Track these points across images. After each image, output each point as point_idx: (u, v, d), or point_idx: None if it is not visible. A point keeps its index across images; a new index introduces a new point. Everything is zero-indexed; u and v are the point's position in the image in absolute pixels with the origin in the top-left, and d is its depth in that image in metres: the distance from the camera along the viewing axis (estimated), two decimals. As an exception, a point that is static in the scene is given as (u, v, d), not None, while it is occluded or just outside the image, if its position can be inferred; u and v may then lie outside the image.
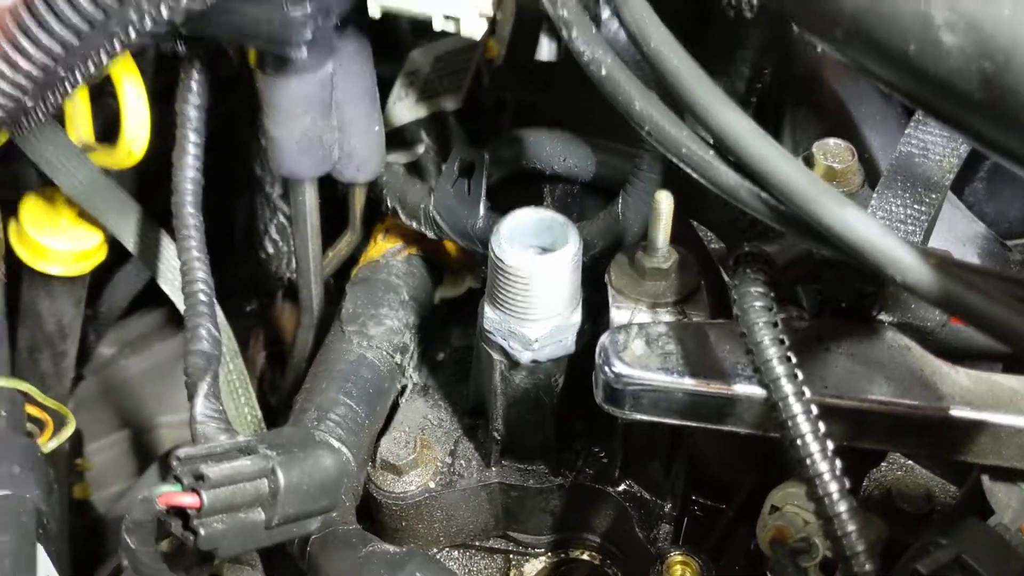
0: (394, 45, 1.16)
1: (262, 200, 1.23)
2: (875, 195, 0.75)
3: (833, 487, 0.58)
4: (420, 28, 1.22)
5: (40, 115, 0.73)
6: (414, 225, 0.98)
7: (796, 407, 0.59)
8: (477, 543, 0.95)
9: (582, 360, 0.82)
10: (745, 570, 0.84)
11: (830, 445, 0.59)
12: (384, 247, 1.03)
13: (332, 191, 1.11)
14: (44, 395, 0.93)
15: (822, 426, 0.59)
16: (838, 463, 0.58)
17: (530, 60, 1.27)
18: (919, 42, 0.50)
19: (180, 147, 0.90)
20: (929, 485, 0.86)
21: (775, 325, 0.61)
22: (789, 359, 0.60)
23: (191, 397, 0.79)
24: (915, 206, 0.73)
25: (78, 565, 1.17)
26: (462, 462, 0.92)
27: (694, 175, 0.60)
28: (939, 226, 0.75)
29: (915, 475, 0.87)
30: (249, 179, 1.25)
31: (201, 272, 0.87)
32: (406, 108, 1.12)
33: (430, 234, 0.97)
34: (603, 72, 0.65)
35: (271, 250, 1.24)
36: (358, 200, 1.05)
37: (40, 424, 0.92)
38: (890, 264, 0.50)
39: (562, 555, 0.95)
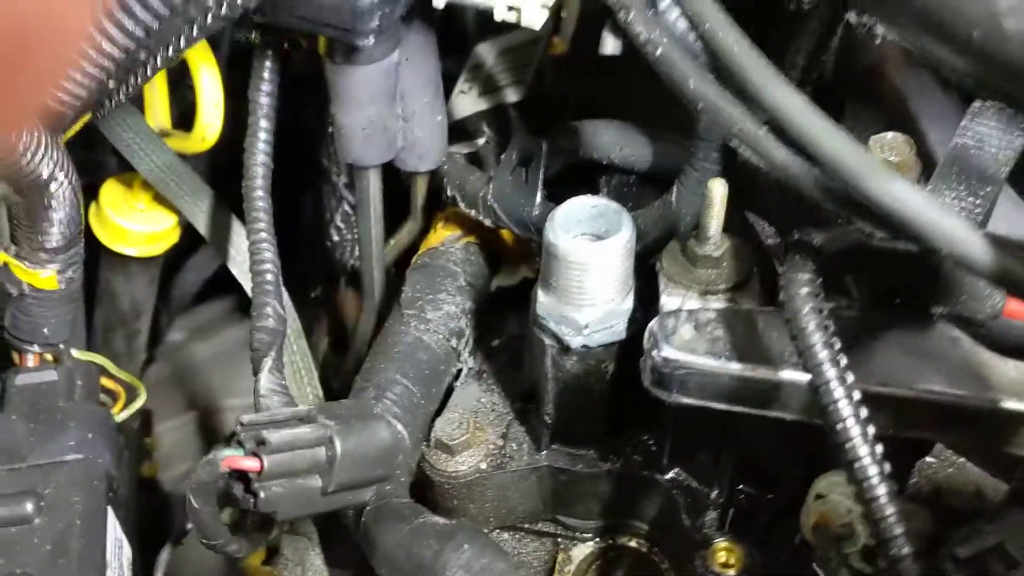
0: (459, 39, 1.19)
1: (328, 190, 1.27)
2: (929, 187, 0.75)
3: (872, 471, 0.58)
4: (484, 22, 1.26)
5: (121, 97, 0.77)
6: (473, 213, 1.00)
7: (838, 391, 0.60)
8: (526, 526, 0.97)
9: (633, 348, 0.83)
10: (790, 561, 0.84)
11: (871, 430, 0.59)
12: (444, 235, 1.06)
13: (396, 181, 1.14)
14: (117, 369, 0.98)
15: (864, 411, 0.60)
16: (879, 448, 0.59)
17: (594, 54, 1.30)
18: (982, 28, 0.52)
19: (251, 133, 0.94)
20: (980, 482, 0.85)
21: (820, 311, 0.61)
22: (832, 345, 0.61)
23: (256, 371, 0.82)
24: (969, 199, 0.73)
25: (144, 540, 1.22)
26: (513, 445, 0.94)
27: (747, 152, 0.61)
28: (994, 219, 0.74)
29: (966, 472, 0.86)
30: (316, 170, 1.29)
31: (269, 252, 0.90)
32: (469, 101, 1.15)
33: (488, 222, 0.99)
34: (658, 52, 0.66)
35: (336, 238, 1.28)
36: (420, 189, 1.08)
37: (113, 395, 0.97)
38: (939, 236, 0.51)
39: (610, 541, 0.97)
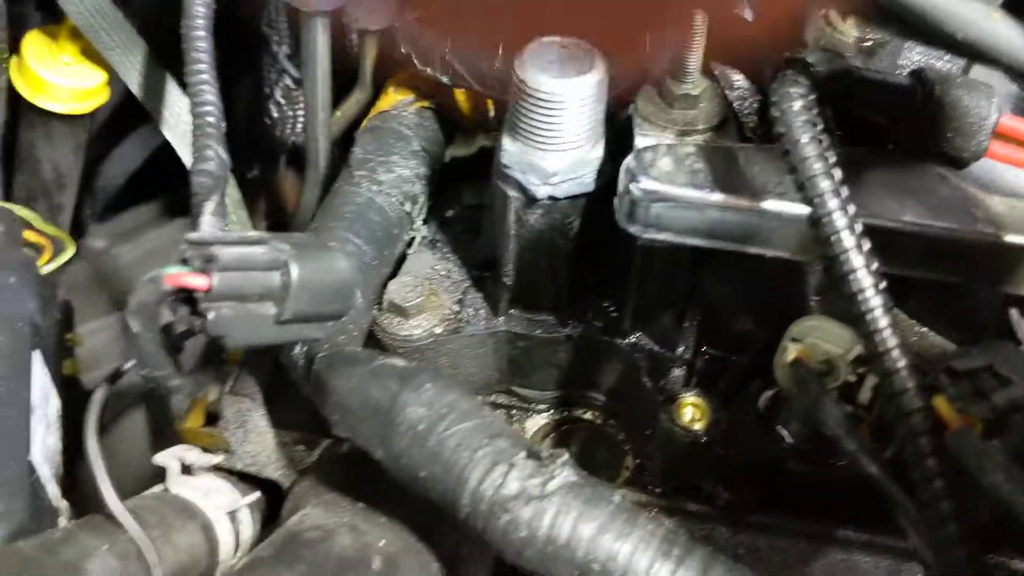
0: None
1: (268, 62, 1.20)
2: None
3: (876, 301, 0.56)
4: None
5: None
6: (428, 71, 0.95)
7: (841, 221, 0.56)
8: (480, 397, 0.93)
9: (599, 206, 0.79)
10: (754, 422, 0.82)
11: (874, 262, 0.56)
12: (395, 99, 1.01)
13: (342, 52, 1.08)
14: (43, 223, 0.91)
15: (866, 242, 0.57)
16: (883, 282, 0.56)
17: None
18: None
19: (192, -31, 0.87)
20: (945, 348, 0.84)
21: (815, 125, 0.58)
22: (834, 175, 0.58)
23: (196, 216, 0.76)
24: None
25: (66, 438, 1.15)
26: (470, 311, 0.90)
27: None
28: None
29: (930, 339, 0.86)
30: (254, 44, 1.22)
31: (210, 95, 0.84)
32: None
33: (445, 79, 0.94)
34: None
35: (275, 114, 1.21)
36: (369, 51, 1.02)
37: (38, 249, 0.90)
38: (954, 20, 0.48)
39: (564, 413, 0.94)
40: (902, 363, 0.54)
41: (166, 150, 1.05)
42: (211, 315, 0.60)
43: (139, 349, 0.62)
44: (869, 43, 0.78)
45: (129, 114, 1.18)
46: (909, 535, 0.56)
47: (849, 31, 0.78)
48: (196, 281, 0.60)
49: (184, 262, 0.61)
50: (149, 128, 1.27)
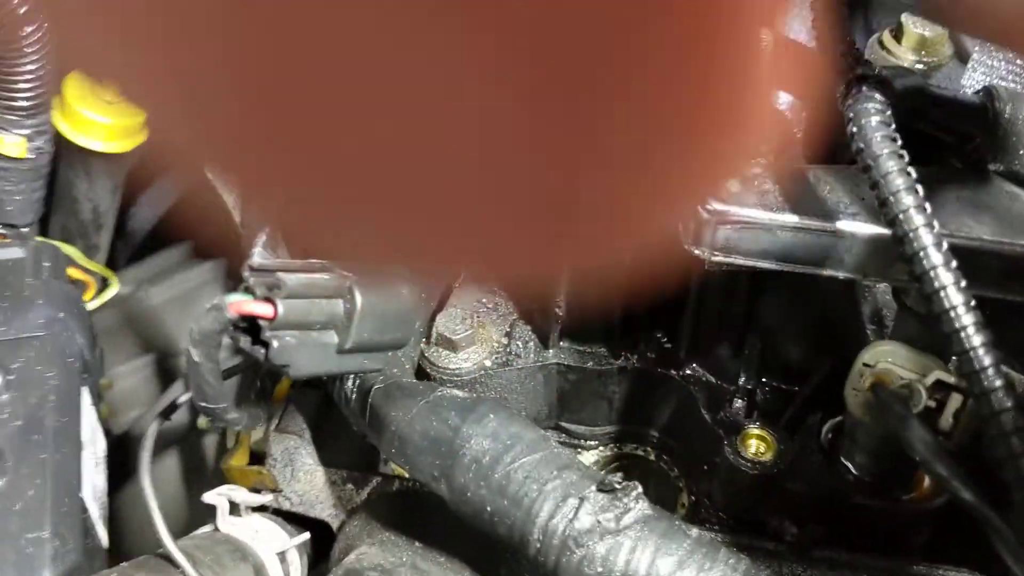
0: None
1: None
2: (975, 51, 0.72)
3: (968, 320, 0.54)
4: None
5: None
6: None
7: (927, 238, 0.54)
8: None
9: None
10: (818, 455, 0.80)
11: (963, 279, 0.55)
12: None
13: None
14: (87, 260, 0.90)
15: (954, 260, 0.55)
16: (973, 299, 0.54)
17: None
18: None
19: None
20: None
21: (895, 140, 0.57)
22: (918, 191, 0.56)
23: (248, 248, 0.75)
24: (1018, 61, 0.70)
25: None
26: (519, 343, 0.88)
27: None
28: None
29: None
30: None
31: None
32: None
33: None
34: None
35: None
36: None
37: (82, 286, 0.89)
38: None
39: (616, 449, 0.92)
40: (999, 382, 0.52)
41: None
42: (275, 343, 0.58)
43: (199, 379, 0.61)
44: (924, 66, 0.77)
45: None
46: (1007, 561, 0.53)
47: (904, 54, 0.77)
48: (262, 309, 0.58)
49: (246, 290, 0.60)
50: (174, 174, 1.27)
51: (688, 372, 0.85)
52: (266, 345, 0.59)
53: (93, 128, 1.01)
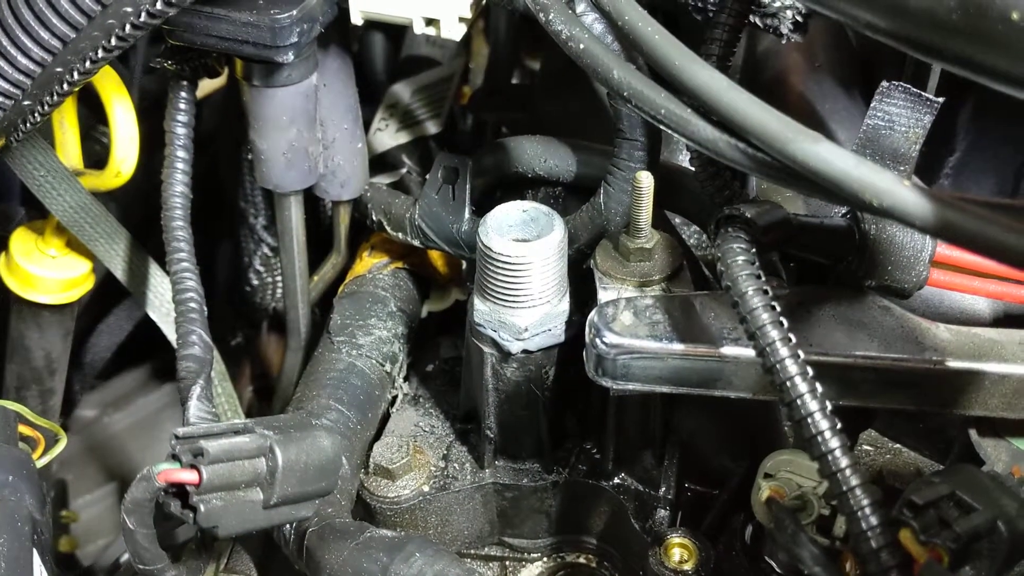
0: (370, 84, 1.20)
1: (245, 232, 1.25)
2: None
3: (835, 443, 0.58)
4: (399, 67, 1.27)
5: (37, 118, 0.74)
6: (400, 236, 1.00)
7: (792, 368, 0.59)
8: (472, 551, 0.95)
9: (571, 354, 0.83)
10: (742, 556, 0.84)
11: (828, 404, 0.59)
12: (370, 262, 1.05)
13: (317, 219, 1.13)
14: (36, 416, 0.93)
15: (819, 386, 0.60)
16: (837, 422, 0.59)
17: (507, 84, 1.32)
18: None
19: (168, 164, 0.93)
20: (918, 464, 0.87)
21: (759, 277, 0.62)
22: (782, 323, 0.61)
23: (184, 401, 0.79)
24: (886, 179, 0.76)
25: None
26: (455, 465, 0.92)
27: (674, 134, 0.63)
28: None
29: (903, 456, 0.88)
30: (231, 216, 1.27)
31: (192, 281, 0.88)
32: (388, 136, 1.15)
33: (416, 243, 0.99)
34: (581, 47, 0.67)
35: (255, 282, 1.26)
36: (343, 219, 1.07)
37: (32, 443, 0.92)
38: (868, 190, 0.52)
39: (558, 559, 0.95)
40: (865, 501, 0.56)
41: (149, 320, 1.08)
42: (202, 508, 0.62)
43: (135, 545, 0.64)
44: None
45: (112, 292, 1.22)
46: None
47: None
48: (188, 476, 0.62)
49: (174, 457, 0.64)
50: (132, 301, 1.31)
51: (617, 482, 0.89)
52: (194, 510, 0.63)
53: (40, 283, 1.05)
